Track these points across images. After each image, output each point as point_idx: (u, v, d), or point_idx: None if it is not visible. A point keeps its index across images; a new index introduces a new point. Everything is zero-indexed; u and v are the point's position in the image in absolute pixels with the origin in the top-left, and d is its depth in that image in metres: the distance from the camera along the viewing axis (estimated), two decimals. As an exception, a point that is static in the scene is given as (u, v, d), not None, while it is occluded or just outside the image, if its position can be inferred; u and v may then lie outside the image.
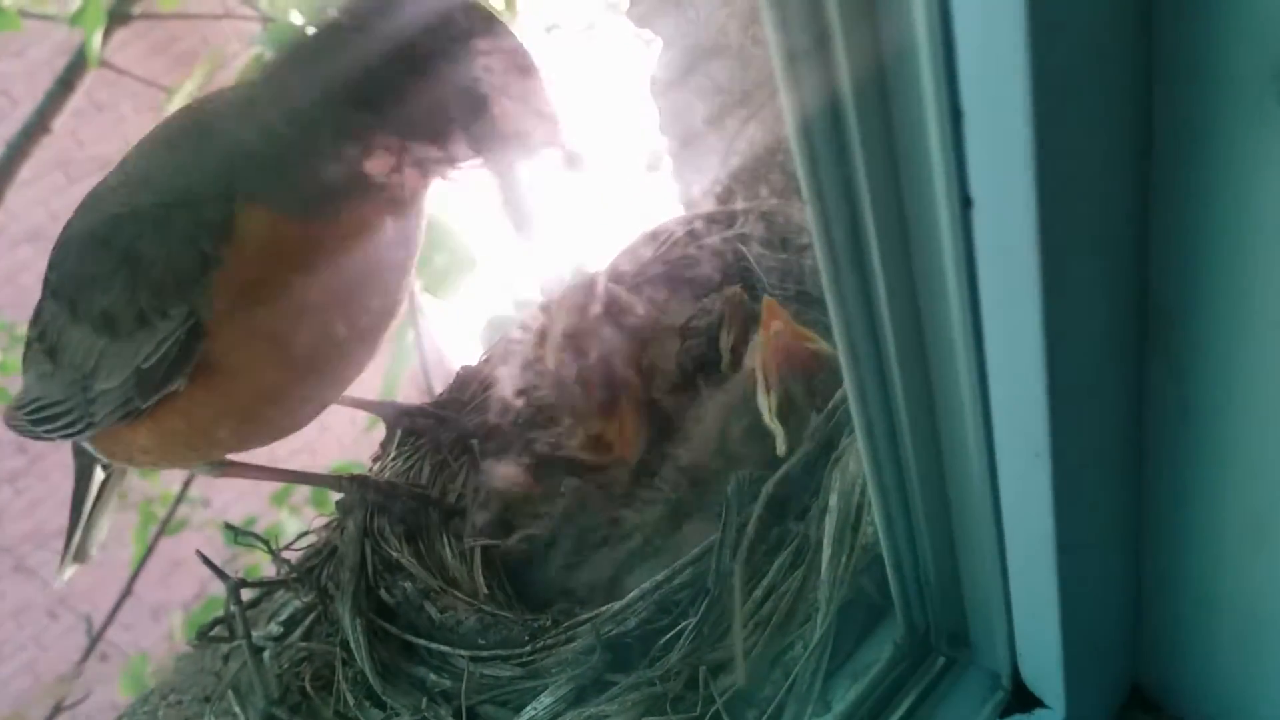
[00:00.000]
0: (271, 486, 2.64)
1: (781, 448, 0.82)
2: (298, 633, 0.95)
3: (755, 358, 0.86)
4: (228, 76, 2.12)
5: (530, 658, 0.78)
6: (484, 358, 1.12)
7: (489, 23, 0.77)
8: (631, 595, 0.75)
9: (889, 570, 0.65)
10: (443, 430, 1.06)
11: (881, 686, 0.69)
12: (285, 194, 0.79)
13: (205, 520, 2.90)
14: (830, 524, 0.70)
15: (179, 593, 3.69)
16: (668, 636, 0.73)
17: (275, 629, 0.96)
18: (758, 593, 0.71)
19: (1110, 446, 0.54)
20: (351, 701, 0.85)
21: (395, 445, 1.07)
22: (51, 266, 0.90)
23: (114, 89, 3.38)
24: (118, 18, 2.24)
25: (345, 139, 0.77)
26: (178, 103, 2.07)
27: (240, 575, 0.97)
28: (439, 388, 1.21)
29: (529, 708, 0.76)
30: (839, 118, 0.45)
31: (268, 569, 1.03)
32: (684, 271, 1.06)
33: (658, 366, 0.97)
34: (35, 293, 0.94)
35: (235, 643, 0.94)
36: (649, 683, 0.72)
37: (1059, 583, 0.56)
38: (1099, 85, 0.41)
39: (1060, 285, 0.44)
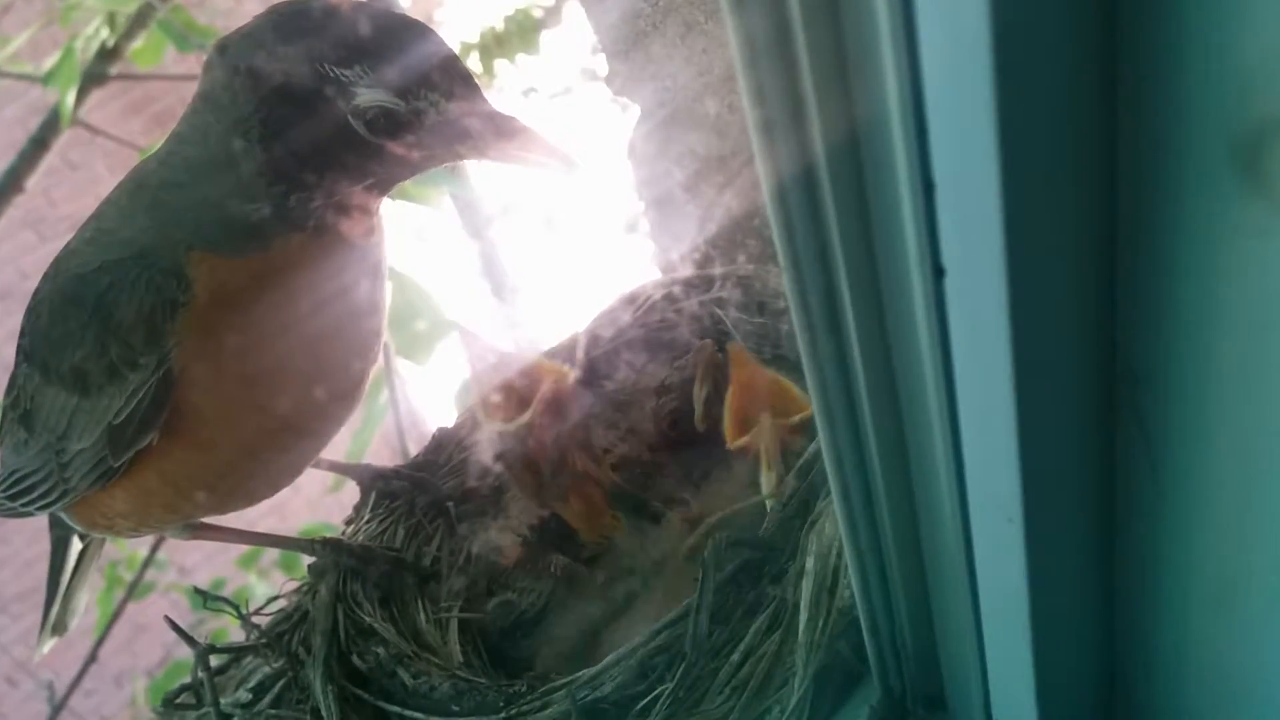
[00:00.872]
0: (239, 550, 2.61)
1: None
2: (267, 699, 0.94)
3: (759, 436, 0.86)
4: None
5: (505, 724, 0.77)
6: (460, 420, 1.12)
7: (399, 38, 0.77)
8: (607, 660, 0.75)
9: (865, 633, 0.65)
10: (418, 493, 1.06)
11: (858, 751, 0.68)
12: (218, 236, 0.80)
13: (171, 584, 2.85)
14: (807, 587, 0.71)
15: (143, 658, 3.62)
16: (644, 702, 0.73)
17: (244, 696, 0.95)
18: (735, 656, 0.71)
19: (1082, 511, 0.55)
20: (322, 770, 0.84)
21: (369, 508, 1.06)
22: (23, 333, 0.91)
23: (88, 148, 3.38)
24: (93, 77, 2.25)
25: (255, 175, 0.78)
26: (150, 164, 2.07)
27: (207, 640, 0.95)
28: (414, 450, 1.21)
29: (503, 775, 0.75)
30: (814, 187, 0.46)
31: (235, 634, 1.01)
32: (662, 335, 1.07)
33: (635, 430, 0.98)
34: (4, 349, 0.94)
35: (203, 710, 0.92)
36: (624, 749, 0.72)
37: (1033, 645, 0.56)
38: (1066, 158, 0.43)
39: (1031, 352, 0.45)
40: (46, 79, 2.14)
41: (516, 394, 0.94)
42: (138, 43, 2.24)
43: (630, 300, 1.11)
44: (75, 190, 3.69)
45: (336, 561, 0.95)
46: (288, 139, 0.76)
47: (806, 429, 0.84)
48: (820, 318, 0.50)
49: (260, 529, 1.07)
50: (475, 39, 2.10)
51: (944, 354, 0.47)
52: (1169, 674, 0.60)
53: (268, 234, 0.80)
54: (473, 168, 2.23)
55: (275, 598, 1.02)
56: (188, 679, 0.96)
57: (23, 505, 0.94)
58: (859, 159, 0.45)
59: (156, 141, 2.13)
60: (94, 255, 0.84)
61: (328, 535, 1.01)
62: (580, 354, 0.98)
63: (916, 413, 0.52)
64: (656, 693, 0.72)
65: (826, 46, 0.42)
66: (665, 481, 0.97)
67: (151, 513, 0.93)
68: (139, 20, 2.21)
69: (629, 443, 1.00)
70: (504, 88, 2.15)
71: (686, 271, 1.16)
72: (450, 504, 1.03)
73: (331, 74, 0.73)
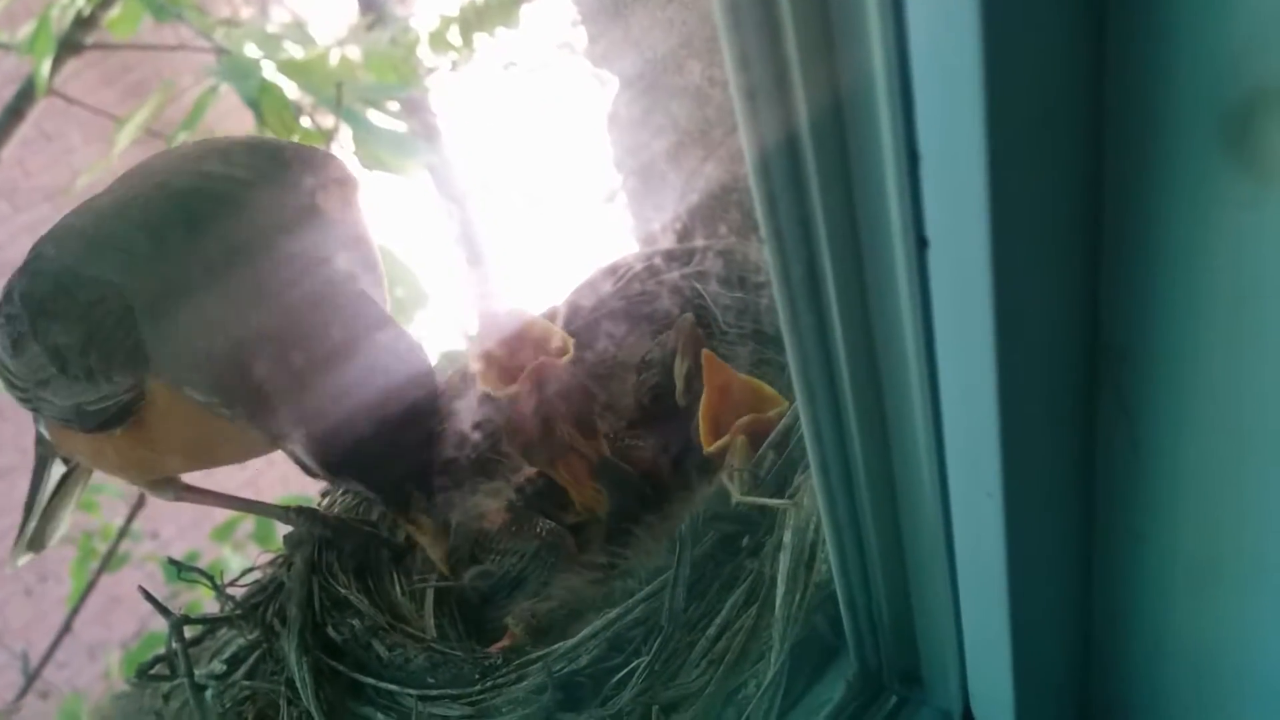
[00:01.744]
0: (213, 523, 2.60)
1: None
2: (241, 671, 0.93)
3: (732, 453, 0.86)
4: (180, 108, 2.10)
5: (480, 697, 0.77)
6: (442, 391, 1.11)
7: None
8: (584, 632, 0.75)
9: (843, 608, 0.65)
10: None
11: (834, 725, 0.69)
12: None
13: (146, 555, 2.84)
14: (785, 561, 0.70)
15: (118, 631, 3.60)
16: (620, 675, 0.73)
17: (218, 667, 0.94)
18: (712, 629, 0.71)
19: (1062, 485, 0.55)
20: (296, 742, 0.84)
21: (345, 480, 1.06)
22: (32, 266, 0.89)
23: (63, 118, 3.34)
24: (69, 46, 2.21)
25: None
26: (127, 134, 2.04)
27: (182, 612, 0.95)
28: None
29: (479, 748, 0.75)
30: (797, 157, 0.46)
31: (210, 607, 1.01)
32: (643, 307, 1.06)
33: (615, 405, 0.97)
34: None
35: (176, 681, 0.92)
36: (600, 722, 0.71)
37: (1011, 620, 0.56)
38: (1053, 129, 0.42)
39: (1013, 324, 0.45)
40: (21, 48, 2.11)
41: (504, 363, 0.94)
42: (114, 12, 2.21)
43: (610, 272, 1.10)
44: (50, 160, 3.65)
45: (311, 532, 0.95)
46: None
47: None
48: (801, 289, 0.50)
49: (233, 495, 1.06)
50: (455, 13, 2.08)
51: (926, 326, 0.47)
52: (1146, 651, 0.60)
53: None
54: (446, 136, 2.22)
55: (250, 569, 1.01)
56: (162, 651, 0.95)
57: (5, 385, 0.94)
58: (843, 128, 0.45)
59: (132, 112, 2.11)
60: (105, 259, 0.84)
61: (303, 504, 1.01)
62: (560, 325, 0.97)
63: (897, 386, 0.52)
64: (633, 665, 0.72)
65: (812, 12, 0.42)
66: (644, 456, 0.97)
67: (115, 468, 0.94)
68: (116, -11, 2.18)
69: (606, 419, 1.00)
70: (484, 62, 2.13)
71: (667, 244, 1.15)
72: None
73: None
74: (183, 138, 2.01)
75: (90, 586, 2.46)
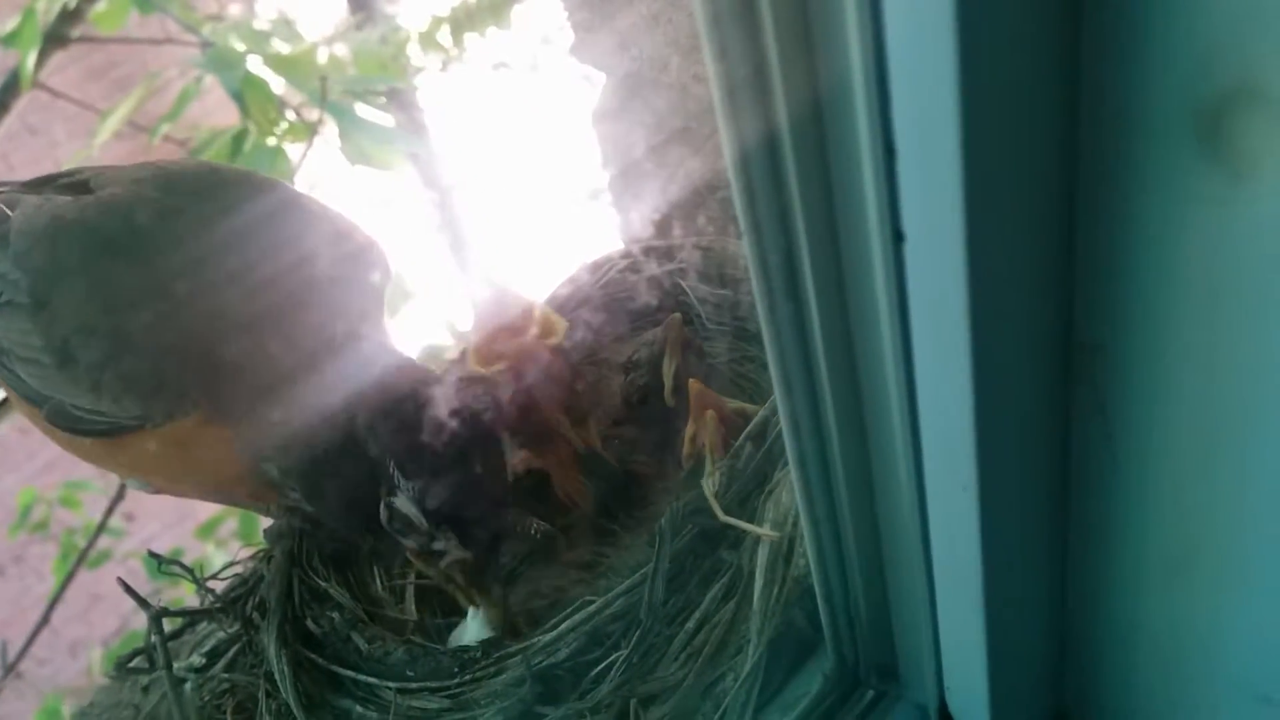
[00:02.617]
0: (197, 520, 2.59)
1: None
2: (221, 664, 0.93)
3: (702, 432, 0.86)
4: (164, 101, 2.10)
5: (459, 689, 0.77)
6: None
7: None
8: (563, 626, 0.75)
9: (820, 602, 0.66)
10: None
11: (811, 719, 0.69)
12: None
13: (128, 553, 2.83)
14: (763, 555, 0.71)
15: (99, 628, 3.58)
16: (599, 668, 0.73)
17: (197, 660, 0.94)
18: (690, 623, 0.71)
19: (1036, 480, 0.55)
20: (275, 734, 0.83)
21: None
22: (28, 253, 0.86)
23: (48, 112, 3.32)
24: (54, 40, 2.20)
25: None
26: (108, 126, 2.03)
27: (163, 606, 0.95)
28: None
29: (457, 741, 0.75)
30: (776, 151, 0.46)
31: (192, 603, 1.01)
32: (623, 300, 1.06)
33: (601, 403, 0.97)
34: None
35: (155, 674, 0.91)
36: (579, 715, 0.72)
37: (986, 614, 0.56)
38: (1028, 126, 0.43)
39: (988, 318, 0.45)
40: (6, 40, 2.10)
41: (498, 342, 0.93)
42: (100, 5, 2.20)
43: (594, 268, 1.10)
44: (35, 154, 3.62)
45: (291, 525, 0.94)
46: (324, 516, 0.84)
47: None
48: (780, 283, 0.50)
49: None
50: (446, 13, 2.08)
51: (902, 319, 0.47)
52: (1120, 644, 0.61)
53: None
54: (434, 131, 2.22)
55: (231, 563, 1.01)
56: (141, 644, 0.95)
57: None
58: (821, 124, 0.45)
59: (117, 106, 2.10)
60: (152, 272, 0.83)
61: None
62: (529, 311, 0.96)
63: (874, 379, 0.52)
64: (612, 659, 0.72)
65: (791, 10, 0.42)
66: (632, 457, 0.97)
67: (73, 454, 0.92)
68: (102, -17, 2.17)
69: (593, 416, 0.99)
70: (474, 62, 2.13)
71: (650, 239, 1.15)
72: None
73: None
74: (165, 129, 2.00)
75: (69, 579, 2.44)
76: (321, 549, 0.92)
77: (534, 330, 0.92)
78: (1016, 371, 0.49)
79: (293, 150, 1.87)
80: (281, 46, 1.98)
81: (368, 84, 1.92)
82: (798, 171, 0.46)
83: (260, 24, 2.25)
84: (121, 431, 0.82)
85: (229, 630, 0.94)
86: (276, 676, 0.84)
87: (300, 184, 1.82)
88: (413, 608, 0.89)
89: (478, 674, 0.77)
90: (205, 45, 2.05)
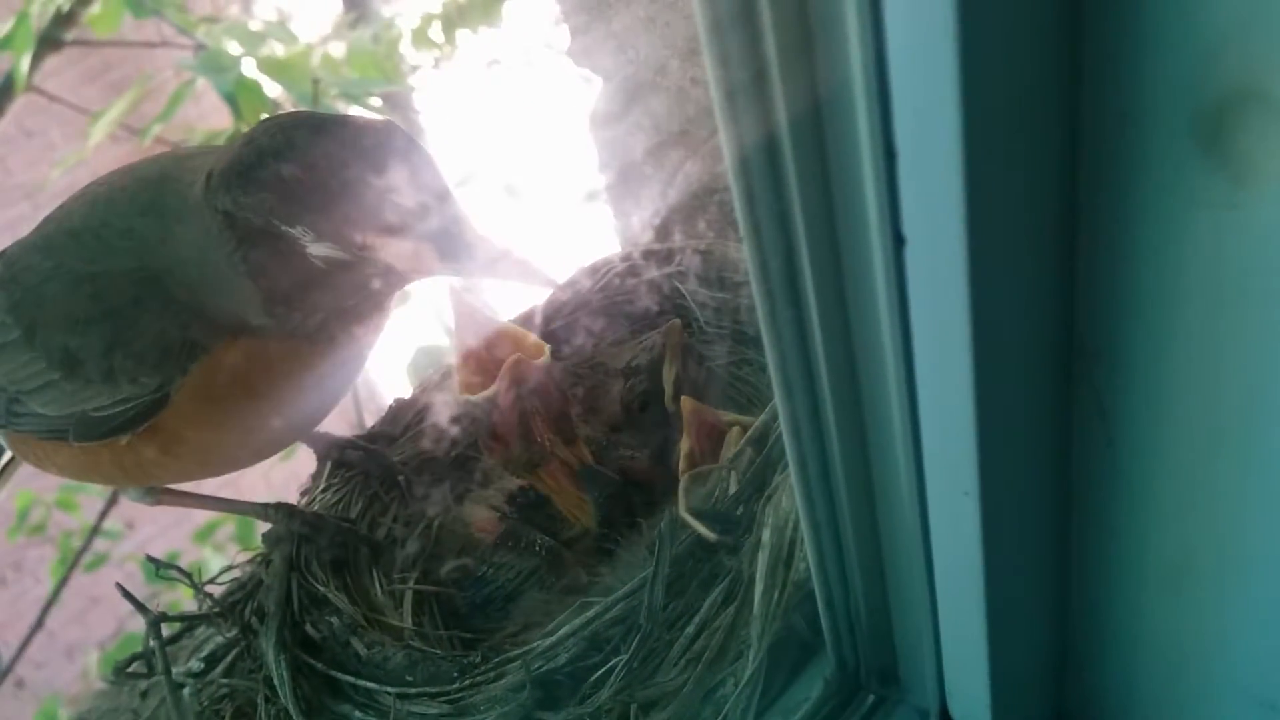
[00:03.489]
0: (194, 524, 2.59)
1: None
2: (219, 669, 0.93)
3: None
4: (159, 104, 2.09)
5: (459, 695, 0.77)
6: (419, 388, 1.11)
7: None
8: (562, 631, 0.75)
9: (820, 607, 0.66)
10: (374, 464, 1.05)
11: (812, 724, 0.69)
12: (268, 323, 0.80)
13: (125, 556, 2.82)
14: (763, 560, 0.71)
15: (96, 631, 3.58)
16: (599, 673, 0.73)
17: (196, 665, 0.94)
18: (690, 628, 0.71)
19: (1038, 484, 0.55)
20: (274, 740, 0.83)
21: (325, 478, 1.05)
22: (11, 280, 0.87)
23: (43, 115, 3.31)
24: (49, 43, 2.20)
25: (253, 295, 0.78)
26: (101, 128, 2.03)
27: (160, 611, 0.94)
28: (370, 421, 1.20)
29: (457, 746, 0.75)
30: (776, 154, 0.46)
31: (189, 607, 1.00)
32: (622, 305, 1.06)
33: (599, 410, 0.97)
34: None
35: (154, 679, 0.91)
36: (579, 720, 0.71)
37: (987, 619, 0.56)
38: (1029, 129, 0.42)
39: (989, 322, 0.45)
40: (1, 43, 2.10)
41: (482, 362, 0.93)
42: (94, 8, 2.20)
43: (592, 271, 1.10)
44: (30, 158, 3.62)
45: (290, 529, 0.94)
46: (268, 272, 0.77)
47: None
48: (779, 286, 0.50)
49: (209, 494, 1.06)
50: (438, 9, 2.08)
51: (903, 323, 0.47)
52: (1121, 649, 0.60)
53: (319, 319, 0.81)
54: (429, 133, 2.21)
55: (229, 568, 1.01)
56: (139, 649, 0.94)
57: None
58: (821, 126, 0.45)
59: (109, 108, 2.10)
60: (114, 260, 0.82)
61: (281, 501, 1.00)
62: (539, 322, 0.97)
63: (875, 383, 0.52)
64: (611, 664, 0.72)
65: (791, 11, 0.42)
66: (632, 463, 0.97)
67: (91, 477, 0.92)
68: (95, -14, 2.17)
69: (591, 424, 0.99)
70: (467, 59, 2.13)
71: (647, 242, 1.15)
72: (400, 477, 1.03)
73: (282, 229, 0.74)
74: (157, 130, 2.00)
75: (64, 581, 2.44)
76: (320, 554, 0.92)
77: (515, 344, 0.91)
78: (1018, 376, 0.49)
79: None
80: (276, 48, 1.98)
81: (362, 86, 1.92)
82: (798, 174, 0.46)
83: (255, 25, 2.24)
84: (150, 413, 0.82)
85: (227, 635, 0.93)
86: (275, 681, 0.84)
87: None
88: (410, 613, 0.89)
89: (477, 679, 0.76)
90: (199, 48, 2.04)
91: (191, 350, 0.79)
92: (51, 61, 2.28)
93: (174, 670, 0.91)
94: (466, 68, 2.14)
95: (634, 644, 0.71)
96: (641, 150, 1.23)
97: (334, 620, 0.86)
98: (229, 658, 0.93)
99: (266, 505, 0.98)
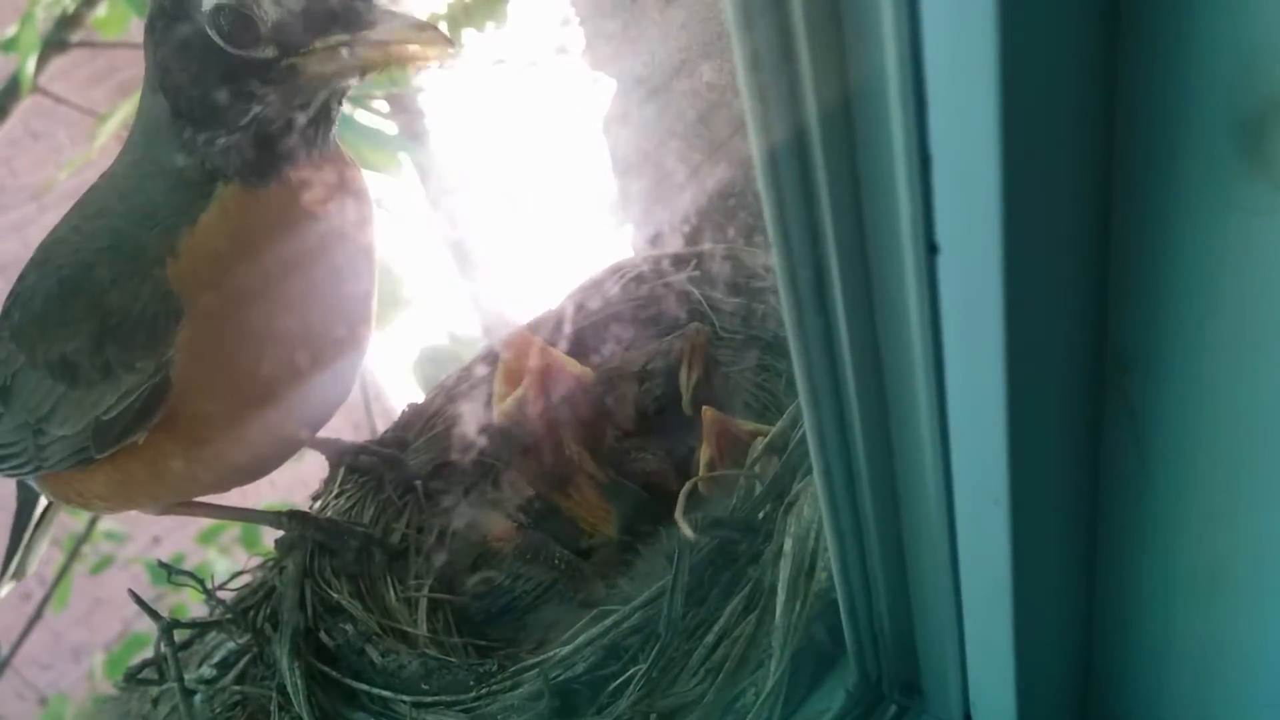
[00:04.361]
0: (199, 526, 2.58)
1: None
2: (231, 675, 0.92)
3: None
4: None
5: (475, 703, 0.76)
6: (433, 394, 1.11)
7: None
8: (580, 640, 0.74)
9: (843, 616, 0.65)
10: (386, 470, 1.04)
11: (833, 734, 0.68)
12: (171, 205, 0.80)
13: (130, 558, 2.82)
14: (785, 569, 0.70)
15: (101, 632, 3.58)
16: (617, 682, 0.72)
17: (208, 671, 0.93)
18: (710, 637, 0.70)
19: (1068, 495, 0.54)
20: (287, 748, 0.83)
21: (338, 484, 1.05)
22: (11, 309, 0.89)
23: (50, 117, 3.31)
24: (55, 45, 2.20)
25: (172, 126, 0.80)
26: (108, 129, 2.03)
27: (168, 616, 0.94)
28: (380, 425, 1.20)
29: (473, 756, 0.74)
30: (806, 158, 0.45)
31: (196, 609, 1.00)
32: (646, 310, 1.05)
33: (615, 414, 0.96)
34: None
35: (166, 685, 0.91)
36: (597, 730, 0.71)
37: (1014, 629, 0.55)
38: (1067, 136, 0.42)
39: (1023, 332, 0.44)
40: (6, 45, 2.09)
41: (509, 371, 0.93)
42: (99, 10, 2.19)
43: (614, 271, 1.09)
44: (37, 160, 3.61)
45: (304, 536, 0.94)
46: (177, 76, 0.78)
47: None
48: (808, 293, 0.49)
49: (222, 504, 1.05)
50: (444, 9, 2.07)
51: (934, 333, 0.46)
52: (1149, 660, 0.60)
53: (206, 191, 0.80)
54: (434, 135, 2.21)
55: (239, 573, 1.00)
56: (147, 653, 0.94)
57: None
58: (853, 129, 0.44)
59: (115, 110, 2.09)
60: (86, 246, 0.83)
61: (295, 509, 1.00)
62: (567, 326, 0.96)
63: (903, 392, 0.51)
64: (630, 673, 0.72)
65: (824, 12, 0.41)
66: (649, 467, 0.96)
67: (132, 497, 0.92)
68: (100, -12, 2.16)
69: (609, 429, 0.99)
70: (472, 59, 2.12)
71: (663, 247, 1.14)
72: (418, 481, 1.02)
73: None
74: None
75: (58, 579, 2.43)
76: (335, 561, 0.92)
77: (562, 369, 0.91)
78: (1050, 384, 0.49)
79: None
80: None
81: (368, 89, 1.91)
82: (828, 179, 0.45)
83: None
84: (156, 400, 0.81)
85: (239, 641, 0.93)
86: (289, 689, 0.83)
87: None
88: (424, 621, 0.88)
89: (494, 688, 0.76)
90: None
91: (176, 317, 0.79)
92: (58, 63, 2.28)
93: (186, 677, 0.90)
94: (472, 67, 2.13)
95: (653, 653, 0.70)
96: (654, 153, 1.22)
97: (348, 628, 0.85)
98: (241, 664, 0.92)
99: (280, 513, 0.97)
